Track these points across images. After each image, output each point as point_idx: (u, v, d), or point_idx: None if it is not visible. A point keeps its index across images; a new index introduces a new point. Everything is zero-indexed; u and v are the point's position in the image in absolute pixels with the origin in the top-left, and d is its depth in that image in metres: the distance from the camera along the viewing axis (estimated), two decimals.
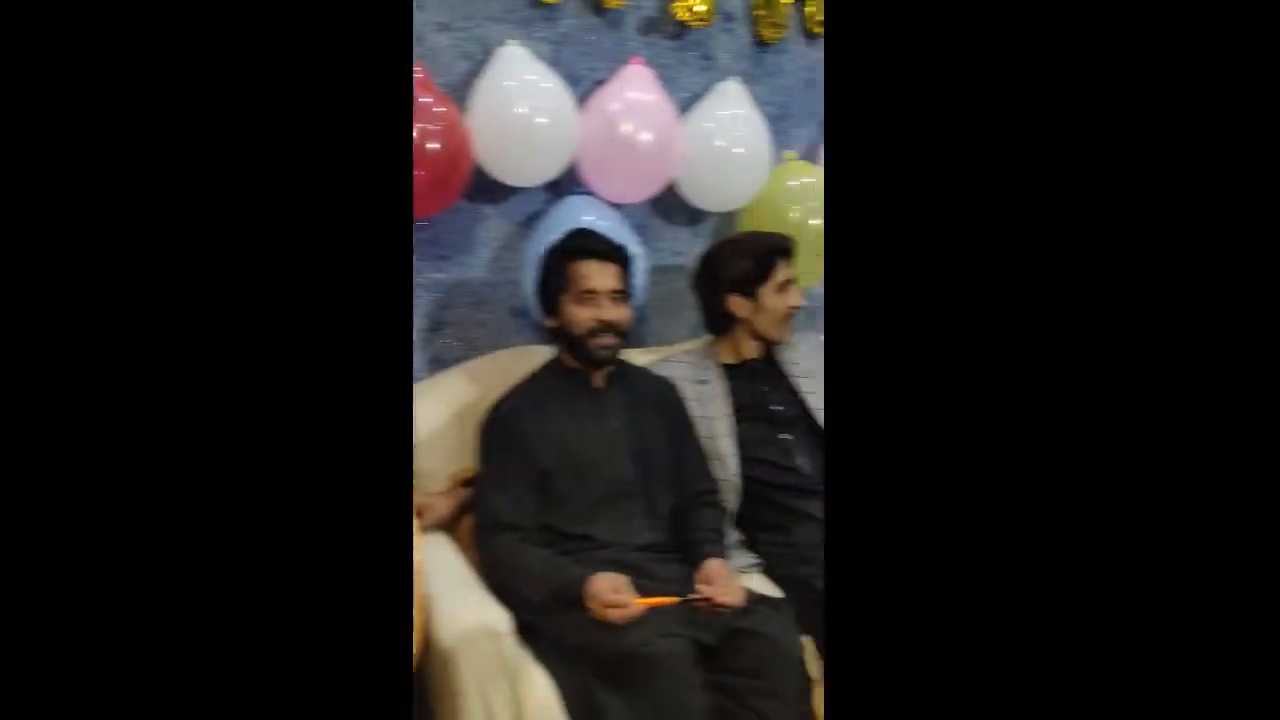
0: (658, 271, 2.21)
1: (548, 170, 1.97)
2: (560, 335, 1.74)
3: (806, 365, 1.98)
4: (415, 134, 1.70)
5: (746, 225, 2.16)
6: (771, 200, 2.16)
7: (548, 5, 1.99)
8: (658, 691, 1.37)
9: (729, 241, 2.01)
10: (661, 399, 1.83)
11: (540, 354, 1.86)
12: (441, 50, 1.92)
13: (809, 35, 2.30)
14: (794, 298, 1.92)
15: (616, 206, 2.07)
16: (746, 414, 1.89)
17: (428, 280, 1.99)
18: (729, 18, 2.20)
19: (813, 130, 2.34)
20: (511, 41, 1.91)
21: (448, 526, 1.72)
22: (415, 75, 1.73)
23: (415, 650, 1.33)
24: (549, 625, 1.50)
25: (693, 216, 2.25)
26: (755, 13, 2.22)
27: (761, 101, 2.18)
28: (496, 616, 1.41)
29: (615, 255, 1.72)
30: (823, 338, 2.13)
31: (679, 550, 1.69)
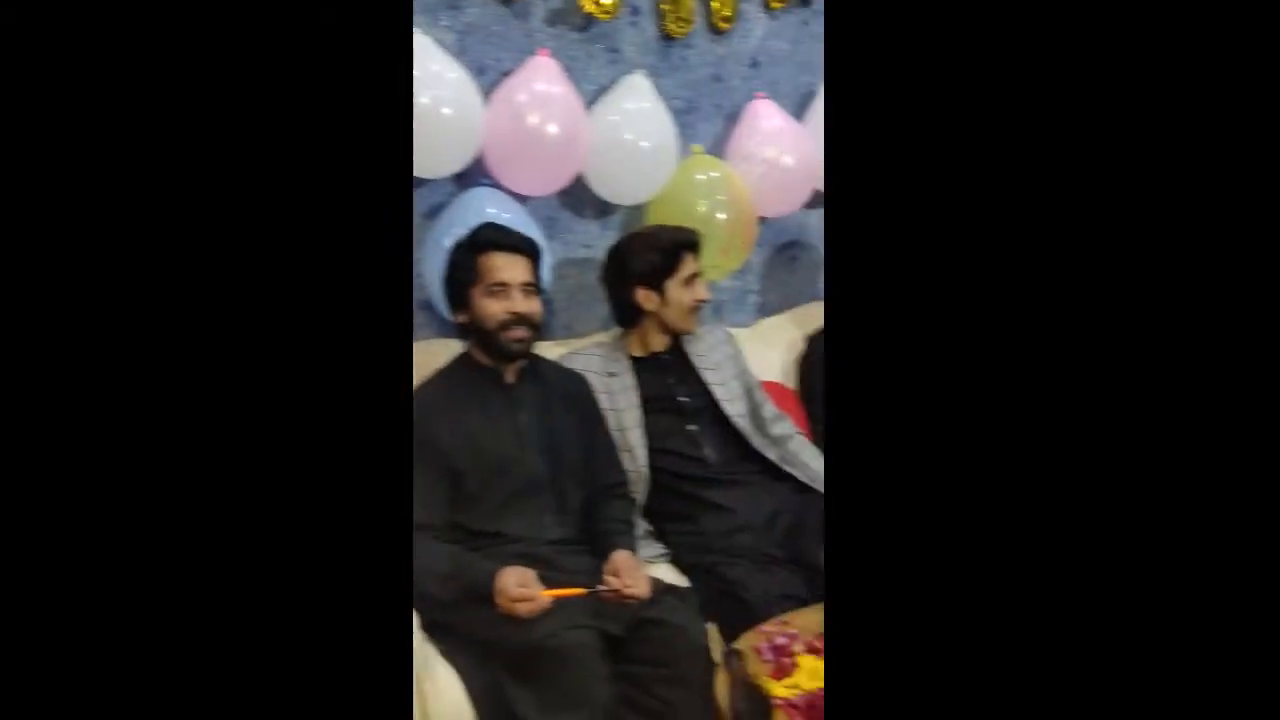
0: (567, 264, 2.21)
1: (454, 162, 1.95)
2: (470, 330, 1.73)
3: (713, 357, 2.02)
4: None
5: (653, 219, 2.18)
6: (678, 194, 2.18)
7: None
8: (565, 683, 1.38)
9: (636, 235, 2.02)
10: (572, 393, 1.83)
11: (446, 348, 1.85)
12: None
13: (714, 30, 2.32)
14: (700, 291, 1.95)
15: (524, 199, 2.07)
16: (654, 405, 1.92)
17: None
18: (635, 11, 2.21)
19: (719, 124, 2.37)
20: (416, 30, 1.88)
21: None
22: None
23: None
24: (458, 622, 1.50)
25: (601, 209, 2.25)
26: (661, 6, 2.23)
27: (668, 95, 2.20)
28: None
29: (525, 248, 1.72)
30: (729, 330, 2.18)
31: (588, 543, 1.70)
